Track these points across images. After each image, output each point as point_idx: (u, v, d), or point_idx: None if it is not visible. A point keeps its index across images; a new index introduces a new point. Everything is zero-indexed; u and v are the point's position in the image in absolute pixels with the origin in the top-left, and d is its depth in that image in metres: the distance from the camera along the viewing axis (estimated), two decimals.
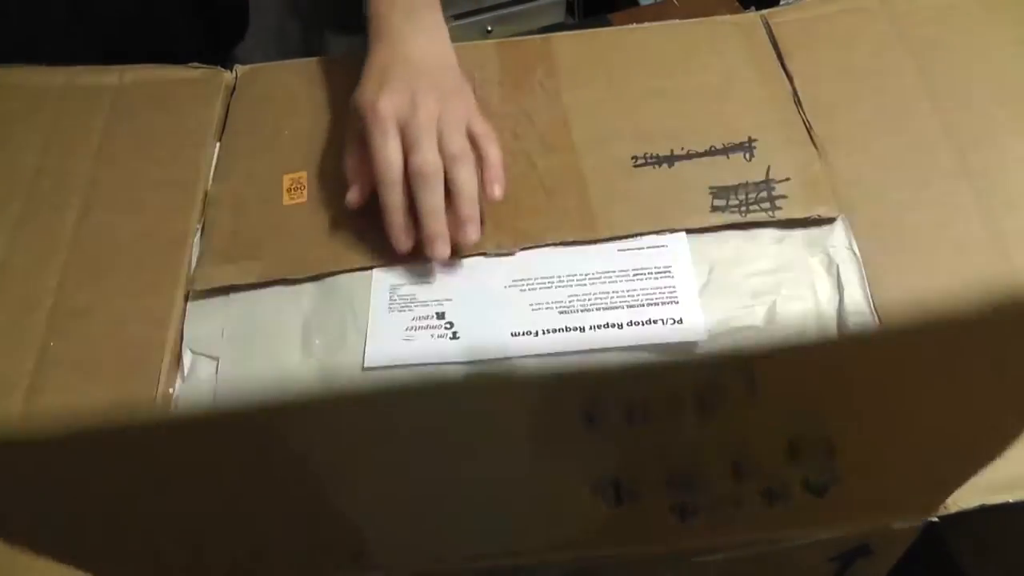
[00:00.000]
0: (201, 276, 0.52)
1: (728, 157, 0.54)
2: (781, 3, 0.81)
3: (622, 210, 0.53)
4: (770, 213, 0.51)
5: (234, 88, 0.62)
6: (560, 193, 0.54)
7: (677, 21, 0.62)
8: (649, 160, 0.54)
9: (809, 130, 0.55)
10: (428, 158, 0.48)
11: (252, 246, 0.53)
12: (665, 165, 0.54)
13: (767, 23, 0.61)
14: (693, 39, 0.61)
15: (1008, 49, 0.57)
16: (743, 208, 0.52)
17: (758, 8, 0.63)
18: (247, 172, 0.57)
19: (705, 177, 0.53)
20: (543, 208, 0.53)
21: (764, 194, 0.52)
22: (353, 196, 0.51)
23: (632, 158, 0.55)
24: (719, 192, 0.53)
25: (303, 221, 0.54)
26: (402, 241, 0.50)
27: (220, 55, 0.81)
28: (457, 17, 1.18)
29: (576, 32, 0.63)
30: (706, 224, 0.52)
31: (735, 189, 0.53)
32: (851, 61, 0.58)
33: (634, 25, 0.63)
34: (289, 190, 0.55)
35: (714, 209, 0.52)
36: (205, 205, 0.55)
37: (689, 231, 0.52)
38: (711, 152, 0.54)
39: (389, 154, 0.49)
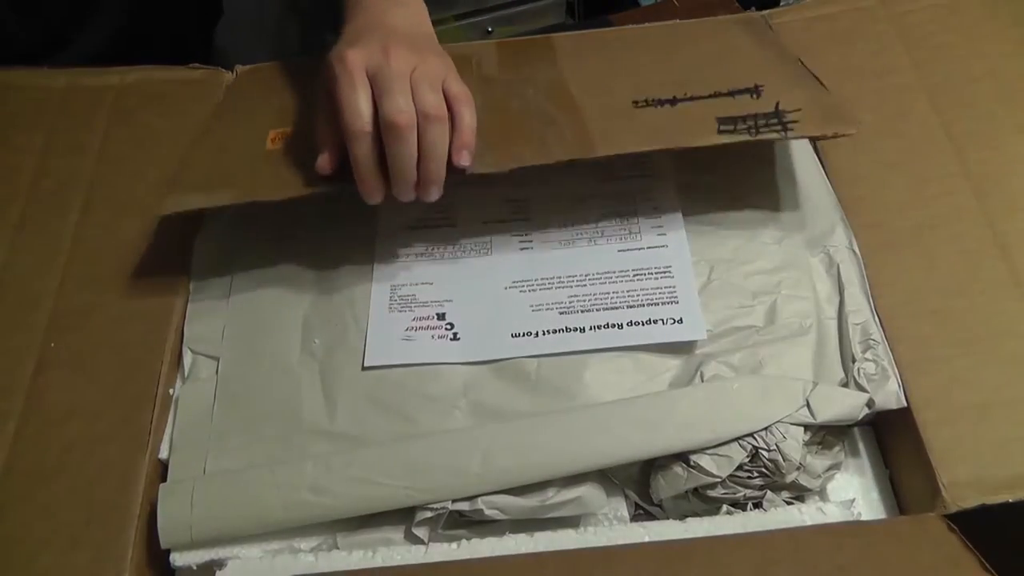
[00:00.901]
0: (170, 203, 0.49)
1: (734, 98, 0.51)
2: (781, 3, 0.81)
3: (622, 135, 0.49)
4: (782, 133, 0.48)
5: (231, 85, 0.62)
6: (557, 124, 0.51)
7: (677, 21, 0.62)
8: (651, 102, 0.51)
9: (818, 79, 0.52)
10: (401, 106, 0.45)
11: (225, 177, 0.51)
12: (667, 105, 0.51)
13: (767, 23, 0.61)
14: (694, 33, 0.60)
15: (1008, 49, 0.57)
16: (753, 130, 0.48)
17: (758, 9, 0.63)
18: (231, 129, 0.55)
19: (711, 112, 0.50)
20: (539, 135, 0.50)
21: (775, 120, 0.49)
22: (323, 160, 0.48)
23: (632, 102, 0.51)
24: (726, 120, 0.49)
25: (281, 158, 0.51)
26: (373, 195, 0.48)
27: (201, 38, 0.80)
28: (458, 18, 1.19)
29: (576, 32, 0.63)
30: (714, 143, 0.48)
31: (743, 118, 0.49)
32: (851, 61, 0.58)
33: (634, 25, 0.63)
34: (272, 140, 0.53)
35: (721, 132, 0.48)
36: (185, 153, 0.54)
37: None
38: (715, 95, 0.51)
39: (358, 104, 0.45)
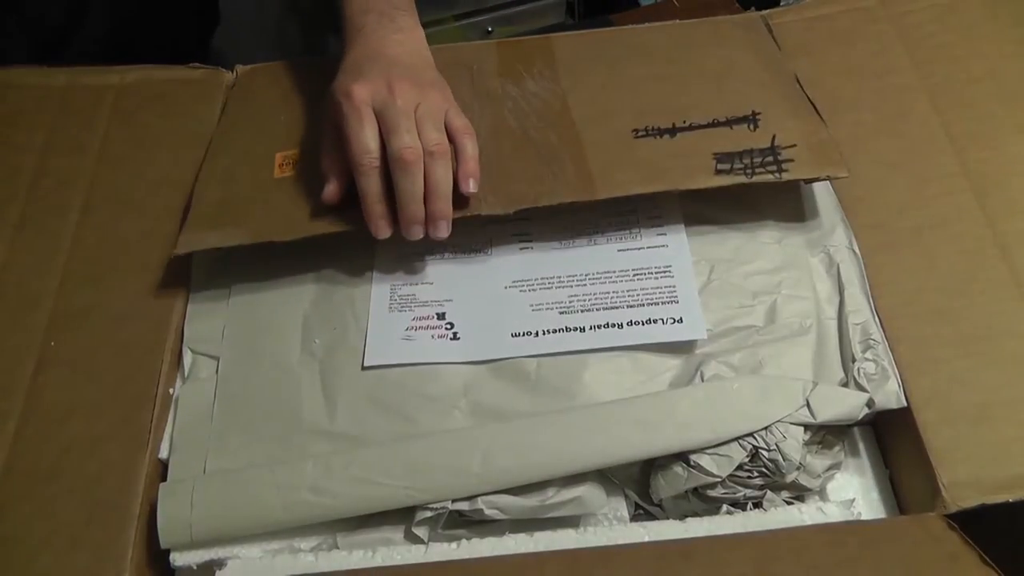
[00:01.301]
0: (184, 242, 0.51)
1: (732, 128, 0.53)
2: (781, 4, 0.81)
3: (622, 174, 0.51)
4: (776, 175, 0.50)
5: (233, 87, 0.62)
6: (558, 161, 0.52)
7: (677, 21, 0.62)
8: (651, 132, 0.53)
9: (814, 105, 0.54)
10: (408, 143, 0.47)
11: (238, 213, 0.52)
12: (667, 136, 0.52)
13: (767, 24, 0.61)
14: (694, 35, 0.60)
15: (1008, 49, 0.57)
16: (748, 171, 0.50)
17: (758, 9, 0.63)
18: (239, 151, 0.56)
19: (708, 145, 0.52)
20: (539, 174, 0.52)
21: (770, 158, 0.50)
22: (330, 191, 0.50)
23: (632, 131, 0.53)
24: (723, 157, 0.51)
25: (291, 190, 0.53)
26: (381, 229, 0.49)
27: (200, 46, 0.81)
28: (457, 18, 1.18)
29: (576, 32, 0.63)
30: (710, 185, 0.50)
31: (740, 155, 0.51)
32: (851, 61, 0.58)
33: (634, 25, 0.63)
34: (280, 165, 0.54)
35: (718, 172, 0.50)
36: (195, 181, 0.55)
37: (689, 193, 0.51)
38: (714, 124, 0.53)
39: (366, 140, 0.47)
